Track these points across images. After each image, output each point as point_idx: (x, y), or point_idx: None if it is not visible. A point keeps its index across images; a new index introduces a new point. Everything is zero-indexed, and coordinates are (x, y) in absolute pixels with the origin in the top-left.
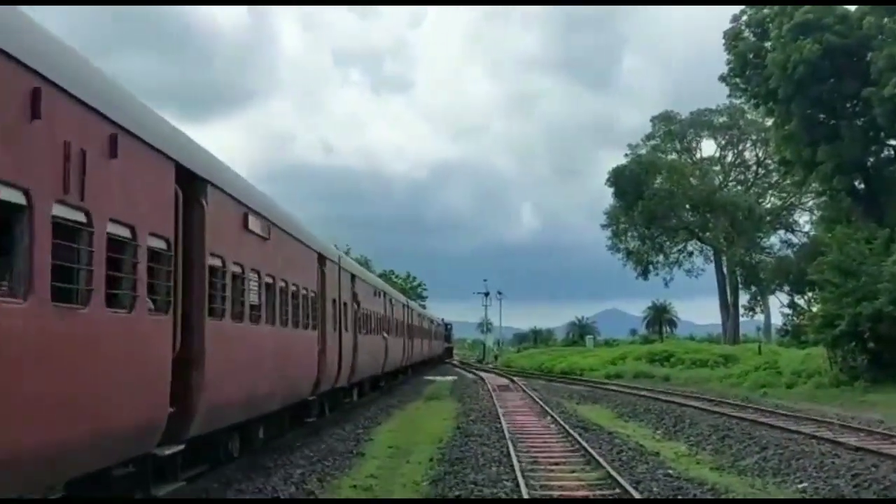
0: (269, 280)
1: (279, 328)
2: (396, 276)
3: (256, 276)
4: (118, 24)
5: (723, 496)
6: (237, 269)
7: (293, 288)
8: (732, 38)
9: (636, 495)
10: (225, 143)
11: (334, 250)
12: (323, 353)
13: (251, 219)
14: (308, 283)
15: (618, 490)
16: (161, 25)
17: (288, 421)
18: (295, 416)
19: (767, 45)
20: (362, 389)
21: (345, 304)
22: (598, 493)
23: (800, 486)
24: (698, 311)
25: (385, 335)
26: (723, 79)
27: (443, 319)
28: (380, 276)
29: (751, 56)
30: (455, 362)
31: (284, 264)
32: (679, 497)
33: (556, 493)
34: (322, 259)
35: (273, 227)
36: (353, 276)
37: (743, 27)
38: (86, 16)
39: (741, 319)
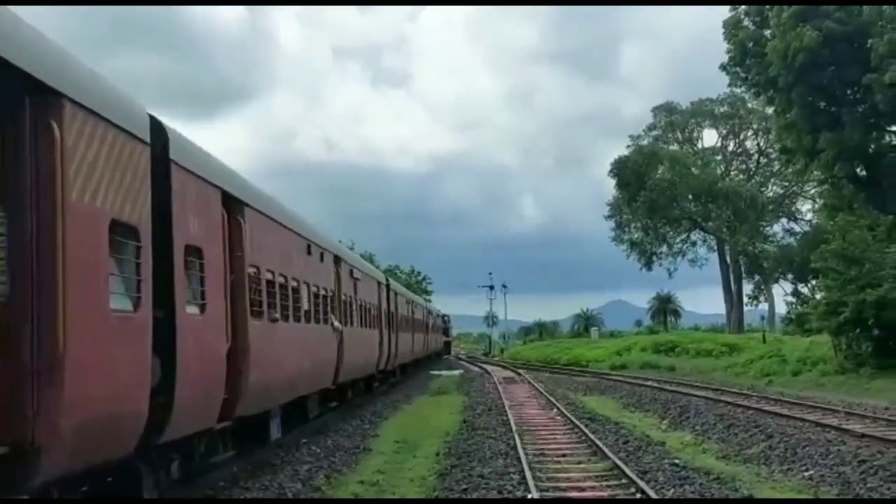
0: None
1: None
2: (401, 272)
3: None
4: (119, 25)
5: (729, 485)
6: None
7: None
8: (732, 27)
9: (642, 485)
10: (228, 140)
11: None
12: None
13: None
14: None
15: (624, 480)
16: (161, 25)
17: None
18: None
19: (767, 33)
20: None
21: None
22: (604, 483)
23: (806, 473)
24: (702, 300)
25: (335, 324)
26: (723, 68)
27: (440, 311)
28: (385, 271)
29: (750, 45)
30: (461, 356)
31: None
32: (686, 485)
33: (563, 485)
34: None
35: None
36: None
37: (742, 16)
38: (85, 15)
39: (745, 308)
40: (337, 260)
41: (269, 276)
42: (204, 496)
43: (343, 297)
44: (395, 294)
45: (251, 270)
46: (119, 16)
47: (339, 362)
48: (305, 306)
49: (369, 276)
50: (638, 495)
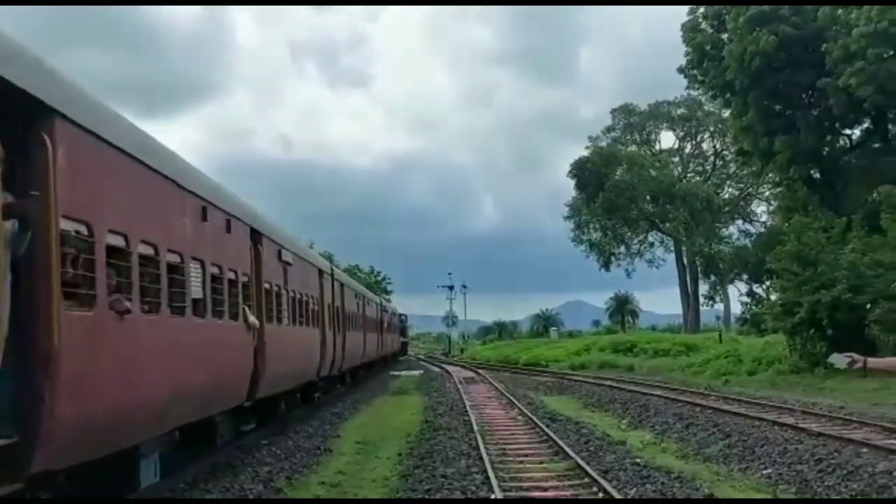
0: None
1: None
2: (360, 271)
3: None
4: (73, 22)
5: (689, 483)
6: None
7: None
8: (690, 30)
9: (605, 485)
10: (184, 137)
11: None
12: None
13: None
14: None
15: (586, 479)
16: (116, 23)
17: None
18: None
19: (725, 36)
20: None
21: None
22: (567, 483)
23: (765, 472)
24: (659, 301)
25: (250, 320)
26: (681, 70)
27: (396, 309)
28: (345, 270)
29: (708, 48)
30: (421, 356)
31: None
32: (647, 483)
33: (525, 485)
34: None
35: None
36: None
37: (700, 19)
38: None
39: (701, 309)
40: (256, 235)
41: (116, 241)
42: (162, 497)
43: (266, 286)
44: (343, 286)
45: (71, 228)
46: (74, 13)
47: (258, 370)
48: (196, 293)
49: (306, 262)
50: (600, 494)
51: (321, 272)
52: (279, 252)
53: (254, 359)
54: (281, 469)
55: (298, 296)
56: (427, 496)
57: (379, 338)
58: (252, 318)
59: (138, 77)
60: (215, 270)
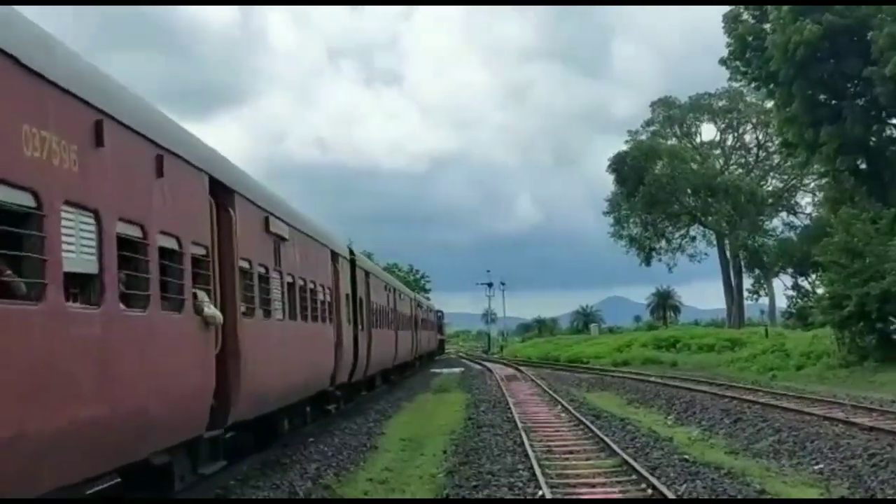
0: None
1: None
2: (399, 269)
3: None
4: (109, 26)
5: (740, 479)
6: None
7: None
8: (731, 21)
9: (654, 481)
10: (219, 139)
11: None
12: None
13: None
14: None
15: (634, 476)
16: (149, 26)
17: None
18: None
19: (767, 26)
20: None
21: None
22: (614, 479)
23: (816, 467)
24: (702, 295)
25: (207, 311)
26: (723, 62)
27: (432, 304)
28: (384, 269)
29: (750, 38)
30: (462, 354)
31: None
32: (697, 479)
33: (573, 482)
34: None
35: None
36: None
37: (742, 9)
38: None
39: (745, 303)
40: (222, 192)
41: None
42: (215, 496)
43: (242, 265)
44: (368, 275)
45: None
46: (109, 16)
47: (226, 385)
48: (78, 263)
49: (312, 240)
50: (650, 491)
51: (335, 255)
52: (265, 221)
53: (218, 369)
54: (329, 466)
55: (300, 282)
56: (473, 493)
57: (413, 336)
58: (210, 309)
59: (173, 79)
60: (140, 236)
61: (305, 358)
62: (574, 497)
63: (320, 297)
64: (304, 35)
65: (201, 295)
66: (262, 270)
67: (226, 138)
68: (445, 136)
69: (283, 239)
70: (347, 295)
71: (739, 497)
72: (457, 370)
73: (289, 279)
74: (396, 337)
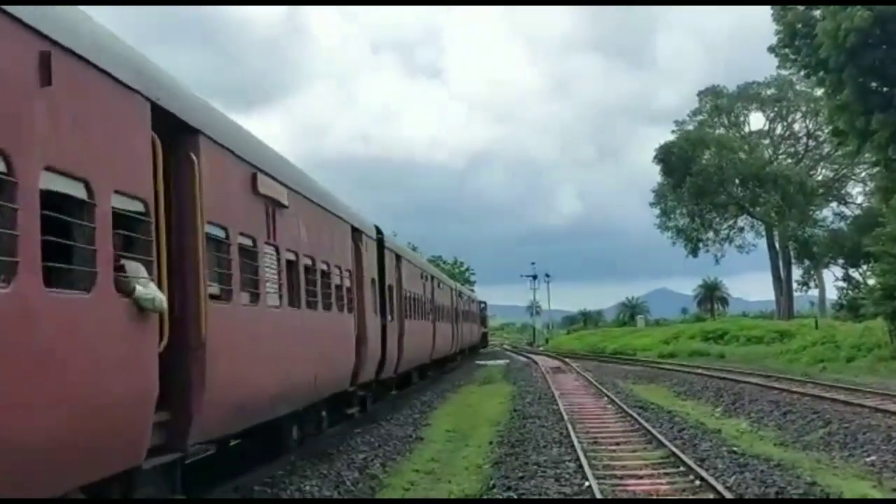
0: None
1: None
2: (444, 262)
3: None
4: (158, 22)
5: (790, 471)
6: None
7: None
8: (780, 8)
9: (702, 473)
10: (263, 132)
11: None
12: None
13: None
14: None
15: (682, 468)
16: (195, 22)
17: None
18: None
19: (817, 13)
20: None
21: None
22: (661, 471)
23: (868, 459)
24: (750, 287)
25: (142, 292)
26: (771, 50)
27: (473, 294)
28: (428, 261)
29: (800, 26)
30: (506, 346)
31: None
32: (746, 471)
33: (619, 473)
34: None
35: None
36: None
37: None
38: (131, 13)
39: (795, 295)
40: (183, 130)
41: None
42: (263, 484)
43: (213, 233)
44: (400, 260)
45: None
46: (157, 13)
47: (188, 391)
48: None
49: (325, 212)
50: (697, 482)
51: (358, 233)
52: (252, 178)
53: (170, 370)
54: (375, 456)
55: (305, 261)
56: (520, 484)
57: (454, 328)
58: (146, 289)
59: (218, 73)
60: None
61: (314, 354)
62: (621, 488)
63: (336, 280)
64: (348, 29)
65: (133, 268)
66: (247, 242)
67: (267, 132)
68: (487, 128)
69: (279, 205)
70: (374, 280)
71: (790, 489)
72: (502, 362)
73: (289, 256)
74: (434, 329)
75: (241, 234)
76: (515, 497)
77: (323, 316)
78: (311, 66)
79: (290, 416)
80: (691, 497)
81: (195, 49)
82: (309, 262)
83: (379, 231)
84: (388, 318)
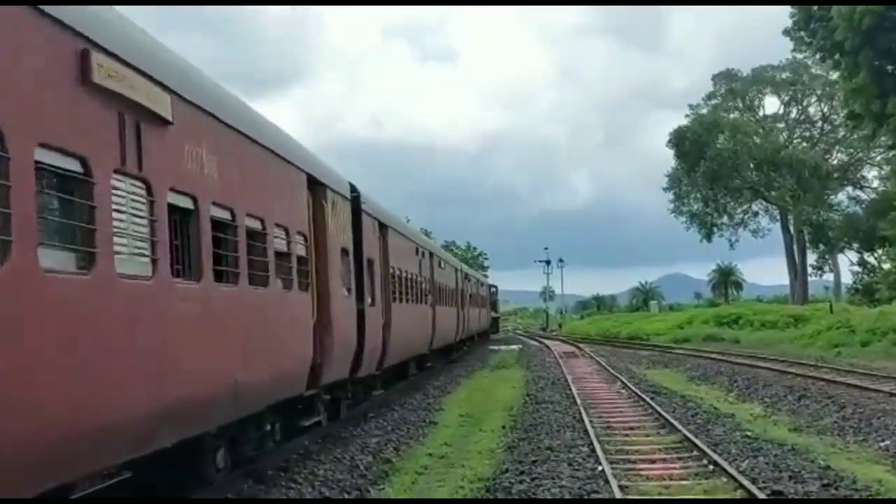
0: None
1: None
2: (457, 248)
3: None
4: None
5: (803, 456)
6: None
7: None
8: None
9: (714, 457)
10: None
11: None
12: None
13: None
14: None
15: (695, 452)
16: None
17: None
18: None
19: None
20: None
21: None
22: (675, 455)
23: (882, 444)
24: (764, 272)
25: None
26: (786, 32)
27: (484, 277)
28: (441, 247)
29: (815, 8)
30: (518, 331)
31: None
32: (759, 456)
33: (633, 457)
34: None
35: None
36: None
37: None
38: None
39: (809, 279)
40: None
41: None
42: (277, 468)
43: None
44: (385, 229)
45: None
46: None
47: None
48: None
49: (258, 148)
50: (710, 467)
51: (319, 186)
52: (81, 59)
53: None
54: (388, 441)
55: (219, 214)
56: (533, 468)
57: (459, 313)
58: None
59: (230, 61)
60: None
61: (233, 349)
62: (633, 472)
63: (279, 245)
64: (358, 16)
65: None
66: (76, 169)
67: (280, 118)
68: (498, 113)
69: (154, 117)
70: (345, 251)
71: (804, 473)
72: (515, 347)
73: (178, 201)
74: (434, 315)
75: (47, 146)
76: (528, 481)
77: (252, 294)
78: (322, 53)
79: (214, 436)
80: (712, 497)
81: (206, 36)
82: (224, 213)
83: (354, 189)
84: (368, 300)
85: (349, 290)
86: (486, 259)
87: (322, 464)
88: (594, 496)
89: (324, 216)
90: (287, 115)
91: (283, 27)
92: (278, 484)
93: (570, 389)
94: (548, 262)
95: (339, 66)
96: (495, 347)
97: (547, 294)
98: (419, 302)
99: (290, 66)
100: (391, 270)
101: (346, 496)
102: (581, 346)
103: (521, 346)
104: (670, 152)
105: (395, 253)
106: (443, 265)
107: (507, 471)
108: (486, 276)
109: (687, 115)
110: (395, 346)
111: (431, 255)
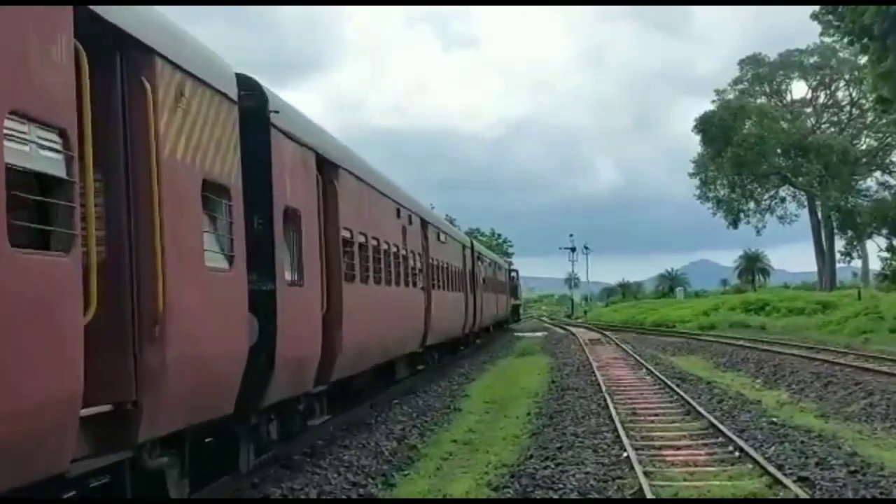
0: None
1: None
2: (482, 234)
3: None
4: None
5: (830, 442)
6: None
7: None
8: None
9: (740, 443)
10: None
11: None
12: None
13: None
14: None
15: (721, 438)
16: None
17: None
18: None
19: None
20: None
21: None
22: (700, 442)
23: None
24: (791, 258)
25: None
26: (814, 16)
27: (502, 261)
28: (466, 234)
29: None
30: (544, 318)
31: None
32: (786, 442)
33: (657, 444)
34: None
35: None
36: None
37: None
38: None
39: (837, 265)
40: None
41: None
42: (302, 454)
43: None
44: (335, 170)
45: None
46: None
47: None
48: None
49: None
50: (736, 453)
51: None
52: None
53: None
54: (413, 427)
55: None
56: (558, 454)
57: (468, 300)
58: None
59: (254, 50)
60: None
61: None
62: (658, 458)
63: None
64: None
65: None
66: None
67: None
68: (522, 98)
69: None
70: (226, 189)
71: (830, 459)
72: (540, 334)
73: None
74: (429, 300)
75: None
76: (552, 467)
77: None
78: (346, 40)
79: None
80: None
81: (227, 23)
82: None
83: (250, 86)
84: (294, 276)
85: (231, 256)
86: (511, 246)
87: (347, 449)
88: (619, 482)
89: (144, 120)
90: (311, 101)
91: (304, 16)
92: (304, 469)
93: (595, 376)
94: (573, 249)
95: (361, 54)
96: (520, 334)
97: (572, 281)
98: (401, 284)
99: (313, 51)
100: (343, 234)
101: (372, 481)
102: (606, 333)
103: (546, 333)
104: (696, 138)
105: (353, 208)
106: (443, 238)
107: (531, 457)
108: (510, 263)
109: (713, 101)
110: (359, 348)
111: (425, 223)
